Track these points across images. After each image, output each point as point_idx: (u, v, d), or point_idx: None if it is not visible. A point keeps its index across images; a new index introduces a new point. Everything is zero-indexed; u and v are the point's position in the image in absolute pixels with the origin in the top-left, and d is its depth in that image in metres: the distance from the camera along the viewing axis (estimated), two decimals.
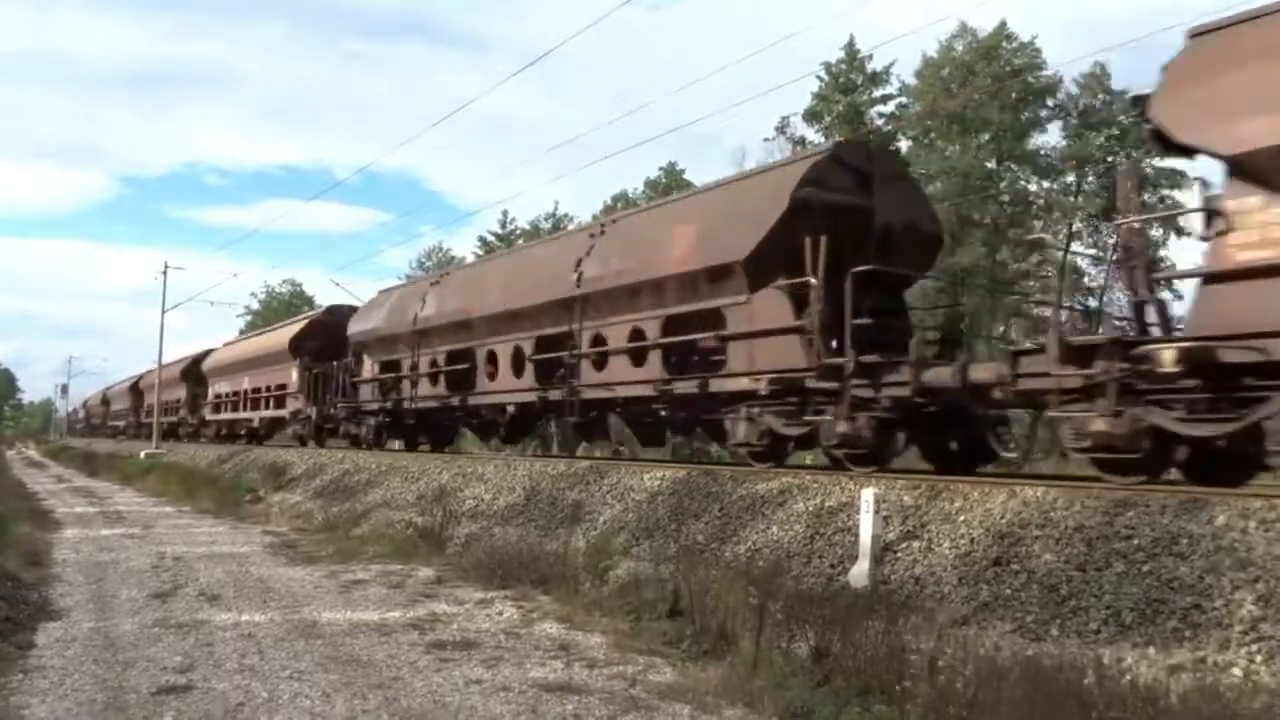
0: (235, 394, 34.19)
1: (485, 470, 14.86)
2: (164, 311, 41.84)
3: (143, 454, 33.71)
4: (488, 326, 17.13)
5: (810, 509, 8.94)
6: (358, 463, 19.40)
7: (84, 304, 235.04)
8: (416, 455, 19.81)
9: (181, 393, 43.23)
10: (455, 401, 18.40)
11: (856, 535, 7.91)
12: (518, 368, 16.21)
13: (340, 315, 26.62)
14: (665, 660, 6.88)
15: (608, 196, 53.86)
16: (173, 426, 44.89)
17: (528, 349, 15.89)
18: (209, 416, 38.59)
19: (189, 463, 29.24)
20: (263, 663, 6.70)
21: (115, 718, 5.52)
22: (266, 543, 13.65)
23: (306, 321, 29.12)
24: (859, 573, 7.59)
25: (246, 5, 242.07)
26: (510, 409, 17.25)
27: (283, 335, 29.97)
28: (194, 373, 41.36)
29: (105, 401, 67.77)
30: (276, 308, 69.42)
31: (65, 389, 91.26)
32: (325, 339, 26.59)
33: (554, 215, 58.29)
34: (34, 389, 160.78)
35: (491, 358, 17.11)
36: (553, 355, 15.23)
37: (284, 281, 76.59)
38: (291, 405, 27.80)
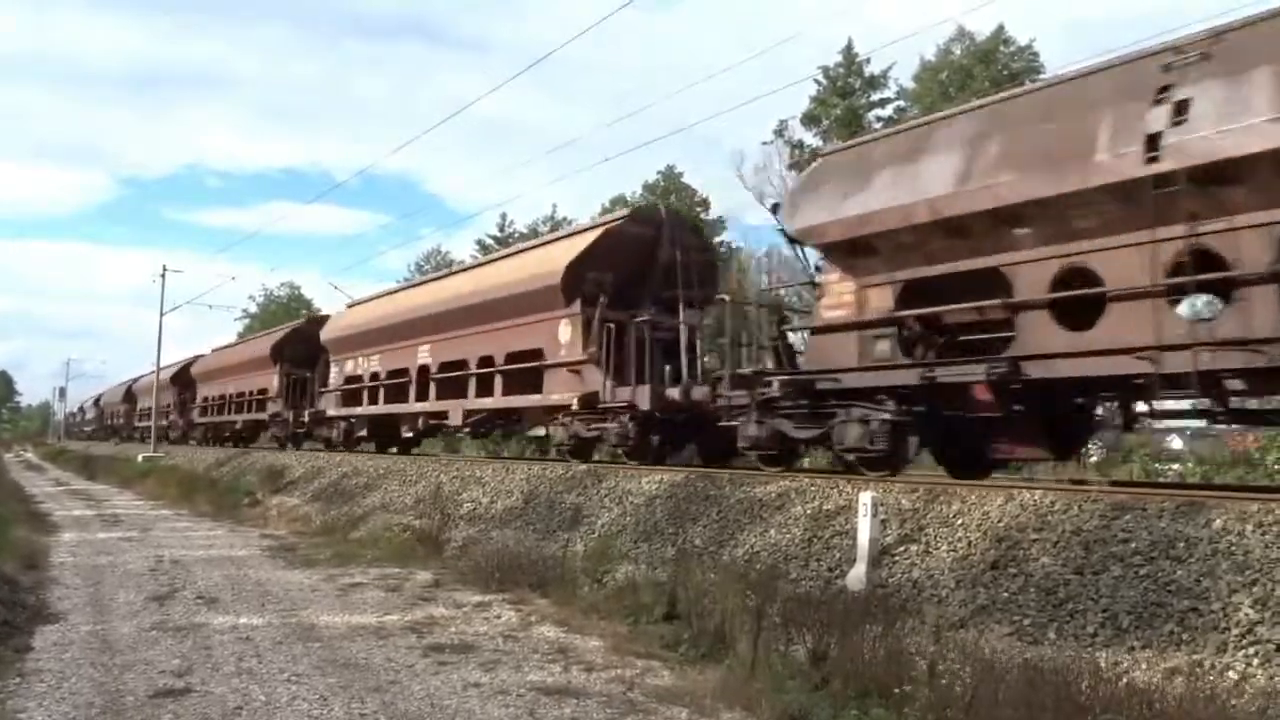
0: (396, 374, 21.29)
1: (483, 474, 14.87)
2: (162, 314, 41.83)
3: (140, 457, 33.69)
4: None
5: (808, 512, 8.96)
6: (355, 466, 19.41)
7: (83, 305, 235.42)
8: (414, 458, 19.79)
9: (271, 380, 29.29)
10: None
11: (854, 538, 7.92)
12: None
13: (652, 224, 15.53)
14: (663, 663, 6.89)
15: (607, 199, 53.98)
16: (252, 428, 32.39)
17: None
18: (333, 412, 24.68)
19: (187, 466, 29.22)
20: (260, 666, 6.70)
21: None
22: (264, 546, 13.64)
23: (600, 232, 15.65)
24: (857, 576, 7.60)
25: (246, 5, 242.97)
26: None
27: (543, 263, 16.41)
28: (293, 348, 28.10)
29: (130, 398, 53.53)
30: (275, 310, 69.30)
31: (63, 391, 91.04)
32: (624, 269, 15.19)
33: (552, 218, 58.39)
34: (32, 391, 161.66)
35: None
36: None
37: (282, 284, 76.59)
38: (568, 390, 15.20)
